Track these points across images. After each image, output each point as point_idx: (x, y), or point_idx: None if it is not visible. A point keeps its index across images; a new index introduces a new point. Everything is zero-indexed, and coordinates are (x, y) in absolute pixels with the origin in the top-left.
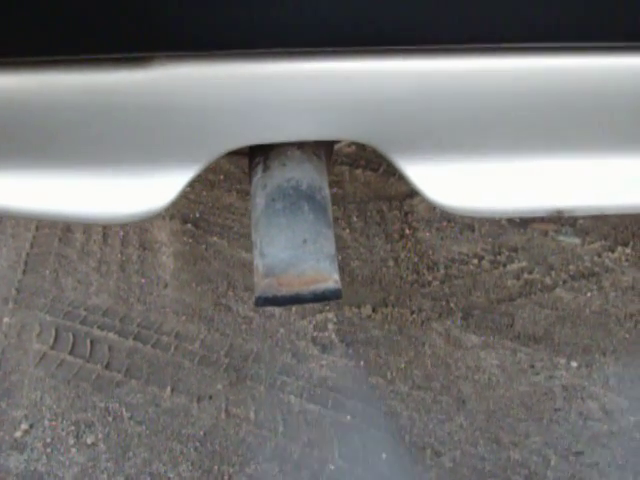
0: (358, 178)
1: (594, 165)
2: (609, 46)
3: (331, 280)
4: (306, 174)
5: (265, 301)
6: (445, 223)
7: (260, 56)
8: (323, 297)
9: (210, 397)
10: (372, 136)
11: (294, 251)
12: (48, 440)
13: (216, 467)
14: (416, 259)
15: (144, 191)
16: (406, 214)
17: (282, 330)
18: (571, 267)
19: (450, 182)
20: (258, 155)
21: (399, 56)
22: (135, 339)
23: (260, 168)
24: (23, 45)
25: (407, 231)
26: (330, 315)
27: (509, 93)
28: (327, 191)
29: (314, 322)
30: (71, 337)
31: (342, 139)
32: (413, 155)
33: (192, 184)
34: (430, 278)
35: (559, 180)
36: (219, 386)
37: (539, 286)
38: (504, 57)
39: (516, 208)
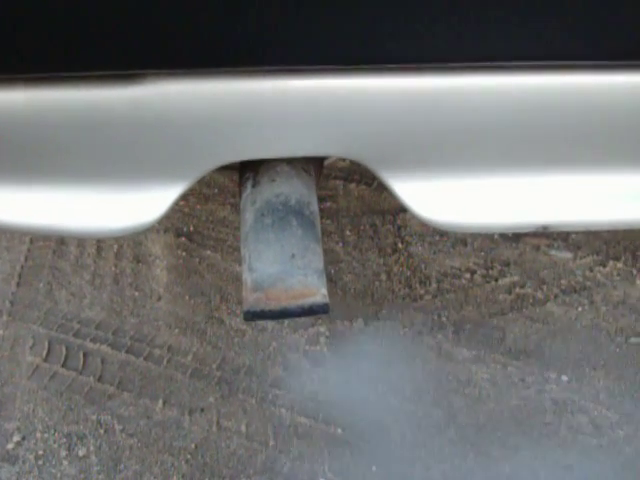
0: (352, 192)
1: (579, 181)
2: (594, 64)
3: (319, 294)
4: (295, 189)
5: (253, 315)
6: (438, 237)
7: (249, 73)
8: (311, 311)
9: (202, 410)
10: (359, 152)
11: (282, 266)
12: (40, 452)
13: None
14: (408, 273)
15: (135, 205)
16: (399, 228)
17: (274, 343)
18: (563, 281)
19: (437, 198)
20: (248, 171)
21: (387, 74)
22: (128, 352)
23: (250, 184)
24: (15, 62)
25: (400, 245)
26: (322, 329)
27: (496, 111)
28: (316, 206)
29: (306, 336)
30: (64, 350)
31: (330, 155)
32: (400, 172)
33: (186, 197)
34: (422, 292)
35: (544, 196)
36: (211, 399)
37: (531, 300)
38: (492, 75)
39: (502, 224)
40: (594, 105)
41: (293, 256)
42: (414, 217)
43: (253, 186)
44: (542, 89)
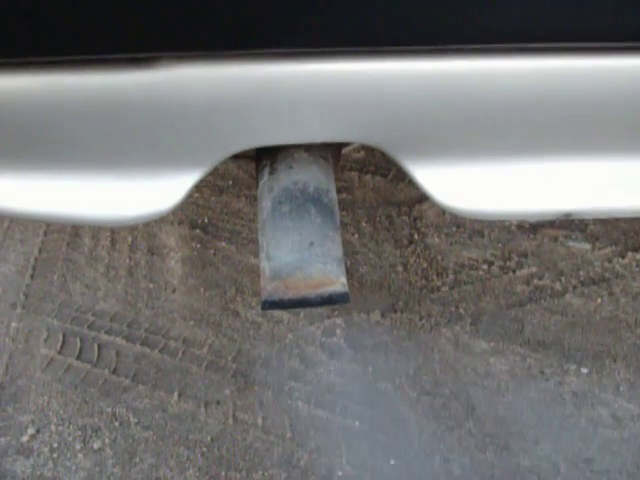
0: (367, 184)
1: (603, 168)
2: (617, 46)
3: (338, 283)
4: (313, 177)
5: (271, 305)
6: (454, 229)
7: (266, 57)
8: (330, 300)
9: (218, 402)
10: (380, 139)
11: (301, 254)
12: (55, 445)
13: (223, 473)
14: (425, 264)
15: (151, 193)
16: (415, 219)
17: (290, 335)
18: (581, 273)
19: (458, 185)
20: (265, 158)
21: (407, 57)
22: (143, 344)
23: (267, 171)
24: (28, 46)
25: (416, 236)
26: (338, 320)
27: (519, 95)
28: (334, 194)
29: (322, 327)
30: (78, 342)
31: (349, 141)
32: (421, 158)
33: (201, 189)
34: (439, 283)
35: (567, 183)
36: (227, 391)
37: (549, 292)
38: (511, 58)
39: (524, 211)
40: (619, 89)
41: (312, 244)
42: (434, 205)
43: (270, 173)
44: (567, 73)
